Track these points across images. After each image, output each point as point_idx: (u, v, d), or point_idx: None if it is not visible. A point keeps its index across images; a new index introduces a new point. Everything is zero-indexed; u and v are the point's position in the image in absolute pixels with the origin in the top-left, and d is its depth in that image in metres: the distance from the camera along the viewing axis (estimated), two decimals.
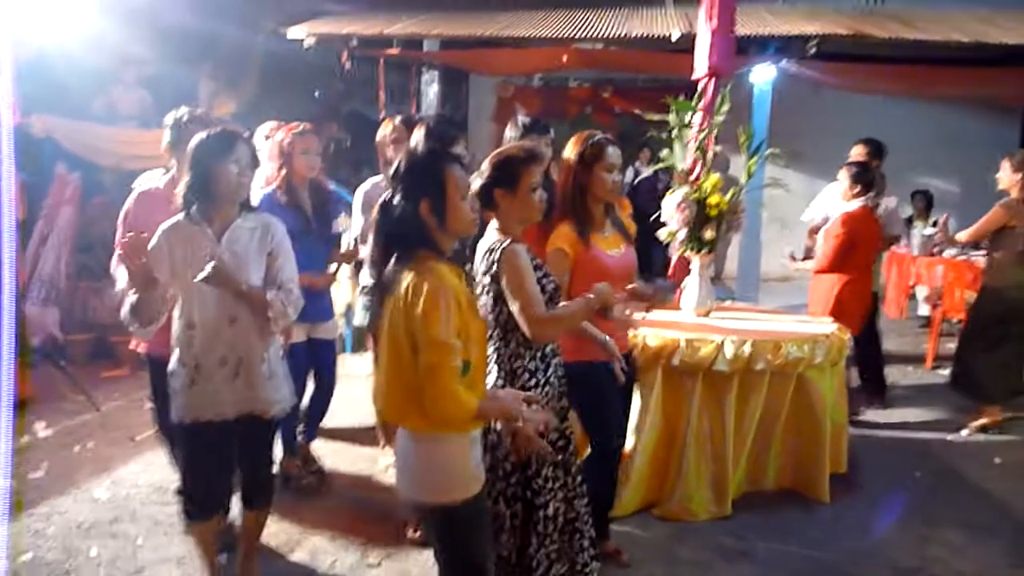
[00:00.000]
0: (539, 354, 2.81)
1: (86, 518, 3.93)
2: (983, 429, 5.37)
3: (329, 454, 4.69)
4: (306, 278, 3.92)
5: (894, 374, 6.59)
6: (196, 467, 3.04)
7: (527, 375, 2.77)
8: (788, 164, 4.97)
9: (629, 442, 3.83)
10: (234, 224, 2.94)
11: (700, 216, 4.23)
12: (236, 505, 3.26)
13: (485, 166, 2.81)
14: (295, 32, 7.67)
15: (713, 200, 4.22)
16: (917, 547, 3.86)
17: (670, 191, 4.38)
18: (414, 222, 2.25)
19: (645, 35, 7.11)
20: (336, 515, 4.03)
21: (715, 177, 4.31)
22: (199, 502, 3.06)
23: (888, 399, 5.95)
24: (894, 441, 5.25)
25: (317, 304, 4.09)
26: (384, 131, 4.37)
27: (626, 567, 3.56)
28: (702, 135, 4.46)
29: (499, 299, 2.73)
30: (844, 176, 5.30)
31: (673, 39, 6.47)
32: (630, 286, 3.14)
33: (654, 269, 9.98)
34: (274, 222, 3.09)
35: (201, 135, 2.91)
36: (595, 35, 7.40)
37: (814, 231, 5.72)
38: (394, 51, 8.35)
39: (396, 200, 2.28)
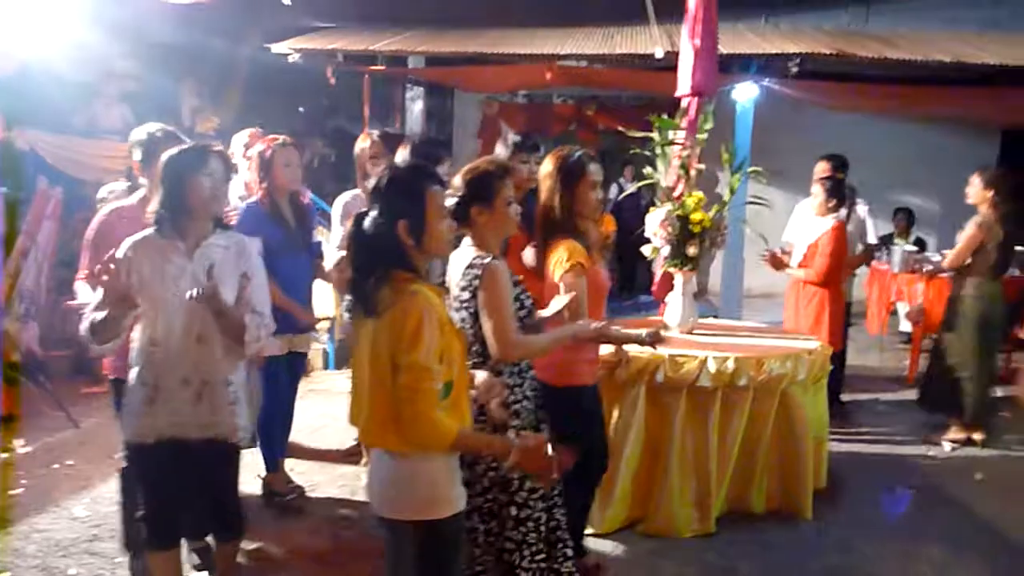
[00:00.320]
0: (516, 368, 2.83)
1: (65, 536, 3.89)
2: (967, 443, 5.38)
3: (312, 471, 4.66)
4: (290, 305, 3.93)
5: (875, 390, 6.63)
6: (150, 492, 2.91)
7: (504, 389, 2.75)
8: (770, 182, 4.99)
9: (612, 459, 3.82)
10: (207, 241, 2.85)
11: (683, 233, 4.25)
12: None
13: (458, 183, 2.77)
14: (280, 48, 7.67)
15: (696, 217, 4.24)
16: (900, 563, 3.87)
17: (653, 208, 4.40)
18: (390, 240, 2.22)
19: (629, 53, 7.16)
20: (318, 535, 3.99)
21: (698, 194, 4.34)
22: (154, 530, 2.91)
23: (870, 415, 5.96)
24: (876, 457, 5.27)
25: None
26: (363, 145, 4.39)
27: None
28: (685, 153, 4.49)
29: (478, 316, 2.71)
30: (819, 191, 5.32)
31: (657, 56, 6.52)
32: (650, 331, 3.14)
33: (637, 285, 10.04)
34: (248, 242, 3.01)
35: (172, 150, 2.84)
36: (579, 52, 7.45)
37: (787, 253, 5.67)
38: (379, 67, 8.36)
39: (373, 216, 2.24)
